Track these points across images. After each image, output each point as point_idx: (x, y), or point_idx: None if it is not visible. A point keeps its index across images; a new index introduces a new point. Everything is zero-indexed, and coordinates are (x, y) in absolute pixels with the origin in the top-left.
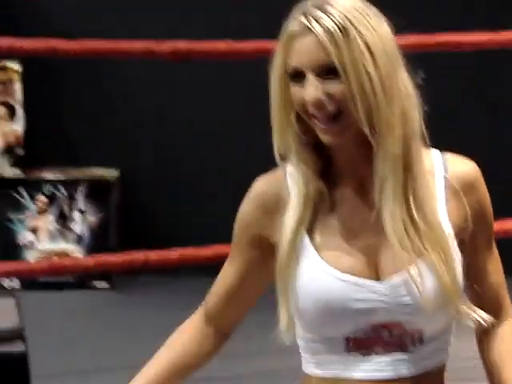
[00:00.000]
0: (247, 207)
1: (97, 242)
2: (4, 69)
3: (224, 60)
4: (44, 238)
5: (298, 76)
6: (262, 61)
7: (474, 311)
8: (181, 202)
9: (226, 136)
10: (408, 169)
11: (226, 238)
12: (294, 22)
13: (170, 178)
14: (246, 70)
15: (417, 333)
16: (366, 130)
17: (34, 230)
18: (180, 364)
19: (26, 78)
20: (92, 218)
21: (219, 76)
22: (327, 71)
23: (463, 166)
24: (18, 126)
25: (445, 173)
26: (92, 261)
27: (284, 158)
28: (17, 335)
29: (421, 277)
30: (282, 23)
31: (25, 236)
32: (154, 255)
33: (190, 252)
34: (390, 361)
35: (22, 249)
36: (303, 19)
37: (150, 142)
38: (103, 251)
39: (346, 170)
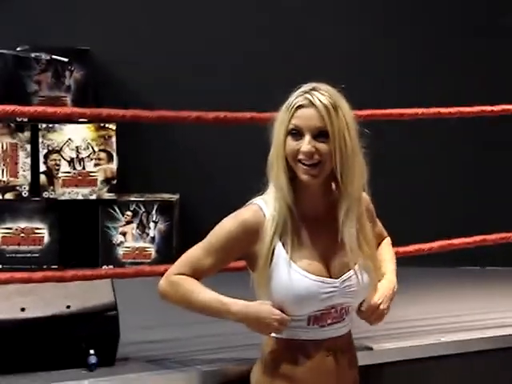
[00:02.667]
0: (234, 229)
1: (164, 243)
2: (104, 128)
3: None
4: (130, 239)
5: (296, 133)
6: None
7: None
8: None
9: None
10: (359, 205)
11: None
12: (300, 97)
13: (218, 198)
14: None
15: (349, 307)
16: (338, 176)
17: (123, 234)
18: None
19: (119, 133)
20: (161, 226)
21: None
22: (319, 133)
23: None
24: (113, 165)
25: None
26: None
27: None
28: (111, 307)
29: (360, 273)
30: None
31: (117, 238)
32: None
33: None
34: (335, 327)
35: (116, 247)
36: (308, 96)
37: (203, 172)
38: (169, 250)
39: (308, 205)
